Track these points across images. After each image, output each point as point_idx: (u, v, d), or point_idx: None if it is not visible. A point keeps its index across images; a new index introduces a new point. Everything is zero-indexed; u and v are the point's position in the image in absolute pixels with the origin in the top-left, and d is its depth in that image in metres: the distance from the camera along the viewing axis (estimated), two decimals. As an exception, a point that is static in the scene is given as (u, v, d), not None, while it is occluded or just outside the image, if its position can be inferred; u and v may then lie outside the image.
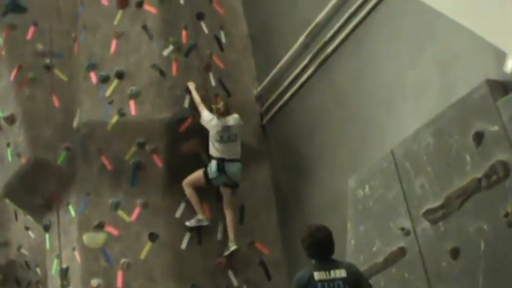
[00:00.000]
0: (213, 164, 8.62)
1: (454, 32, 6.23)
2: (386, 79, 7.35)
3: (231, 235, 8.72)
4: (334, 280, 5.17)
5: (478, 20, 5.97)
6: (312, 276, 5.20)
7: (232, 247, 8.66)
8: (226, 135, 8.68)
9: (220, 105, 8.80)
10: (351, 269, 5.35)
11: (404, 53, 7.08)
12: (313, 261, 5.39)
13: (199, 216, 8.72)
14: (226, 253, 8.71)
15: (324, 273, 5.20)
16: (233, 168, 8.68)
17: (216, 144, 8.64)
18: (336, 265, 5.29)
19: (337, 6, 8.22)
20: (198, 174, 8.74)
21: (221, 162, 8.60)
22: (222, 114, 8.71)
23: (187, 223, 8.72)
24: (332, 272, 5.20)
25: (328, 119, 8.45)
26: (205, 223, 8.70)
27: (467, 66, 6.14)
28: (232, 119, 8.80)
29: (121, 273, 8.46)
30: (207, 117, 8.70)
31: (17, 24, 9.66)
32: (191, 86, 8.95)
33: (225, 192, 8.85)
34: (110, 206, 8.80)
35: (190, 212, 8.84)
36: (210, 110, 8.77)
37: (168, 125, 8.85)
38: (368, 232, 6.76)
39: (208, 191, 8.91)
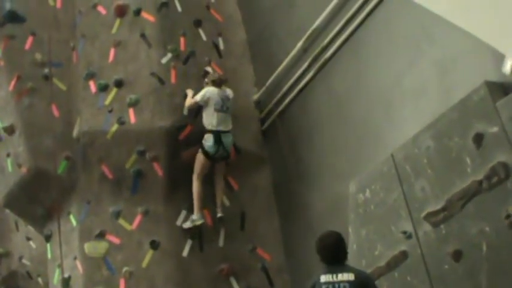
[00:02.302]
0: (209, 137, 8.64)
1: (452, 34, 6.24)
2: (385, 83, 7.34)
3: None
4: (340, 282, 5.28)
5: (476, 22, 5.98)
6: (319, 278, 5.37)
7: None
8: (225, 105, 8.79)
9: (216, 76, 8.97)
10: (360, 274, 5.45)
11: (403, 56, 7.08)
12: (324, 265, 5.51)
13: (194, 215, 8.70)
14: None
15: (330, 275, 5.33)
16: (228, 139, 8.76)
17: (215, 114, 8.69)
18: (345, 269, 5.40)
19: (334, 11, 8.22)
20: (198, 158, 8.77)
21: (217, 134, 8.65)
22: (218, 85, 8.88)
23: (184, 225, 8.72)
24: (340, 275, 5.32)
25: (328, 124, 8.44)
26: (199, 222, 8.67)
27: (465, 68, 6.14)
28: (228, 90, 8.99)
29: (123, 282, 8.45)
30: (200, 94, 8.78)
31: (15, 34, 9.71)
32: (189, 92, 8.96)
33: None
34: (111, 215, 8.79)
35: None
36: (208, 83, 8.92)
37: (168, 132, 8.85)
38: (370, 236, 6.74)
39: (208, 197, 8.91)
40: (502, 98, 5.50)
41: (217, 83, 8.90)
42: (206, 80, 9.00)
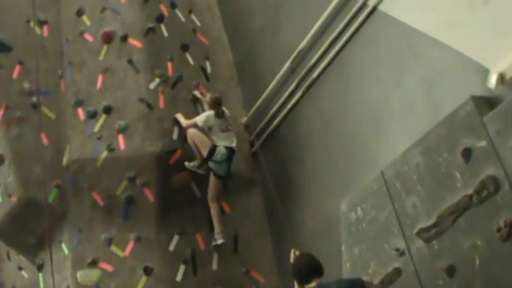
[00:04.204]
0: (223, 151, 8.66)
1: (437, 50, 6.30)
2: (373, 100, 7.38)
3: (217, 228, 8.80)
4: None
5: (460, 38, 6.06)
6: None
7: (219, 240, 8.75)
8: (226, 124, 8.87)
9: (214, 97, 8.92)
10: (340, 284, 5.40)
11: (389, 74, 7.12)
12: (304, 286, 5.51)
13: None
14: (213, 244, 8.81)
15: None
16: (234, 158, 8.83)
17: (219, 134, 8.75)
18: (322, 286, 5.36)
19: (320, 31, 8.28)
20: (207, 140, 8.74)
21: (230, 151, 8.73)
22: (219, 105, 8.88)
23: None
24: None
25: (318, 143, 8.46)
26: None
27: (452, 84, 6.17)
28: (227, 110, 9.06)
29: (117, 309, 8.40)
30: (201, 117, 8.79)
31: (2, 63, 9.70)
32: (180, 117, 8.97)
33: (215, 183, 8.88)
34: (103, 242, 8.76)
35: (184, 244, 8.81)
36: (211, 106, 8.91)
37: (158, 157, 8.84)
38: (363, 254, 6.73)
39: (199, 220, 8.90)
40: (488, 112, 5.53)
41: (218, 104, 8.89)
42: (205, 105, 9.03)
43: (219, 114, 8.86)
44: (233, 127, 8.99)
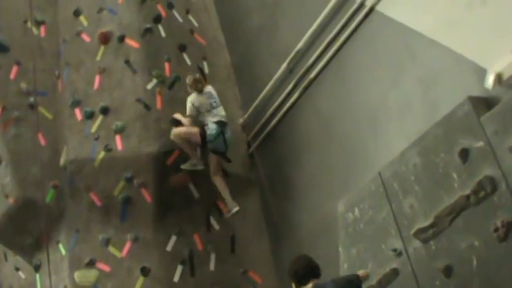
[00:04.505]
0: (213, 127, 8.61)
1: (434, 51, 6.31)
2: (370, 101, 7.38)
3: (228, 200, 8.83)
4: None
5: (457, 39, 6.06)
6: None
7: (235, 208, 8.81)
8: (212, 101, 8.82)
9: (192, 79, 8.91)
10: (336, 282, 5.41)
11: (386, 74, 7.12)
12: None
13: (194, 160, 8.83)
14: (229, 214, 8.88)
15: None
16: (229, 132, 8.78)
17: (206, 114, 8.71)
18: (319, 286, 5.37)
19: (318, 31, 8.28)
20: (192, 129, 8.69)
21: (220, 124, 8.66)
22: (200, 86, 8.86)
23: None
24: None
25: (315, 144, 8.46)
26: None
27: (449, 84, 6.18)
28: (208, 87, 9.01)
29: (114, 310, 8.40)
30: (188, 107, 8.75)
31: (-1, 64, 9.69)
32: (180, 117, 8.96)
33: (214, 159, 8.86)
34: (100, 243, 8.74)
35: (181, 244, 8.80)
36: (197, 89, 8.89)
37: (155, 158, 8.83)
38: (360, 255, 6.73)
39: (197, 220, 8.90)
40: (485, 113, 5.54)
41: (197, 82, 8.90)
42: (189, 89, 8.99)
43: (201, 91, 8.85)
44: (218, 102, 8.88)
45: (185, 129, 8.69)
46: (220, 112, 8.82)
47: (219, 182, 8.86)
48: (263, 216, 9.47)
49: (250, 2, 10.20)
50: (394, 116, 6.98)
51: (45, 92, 9.62)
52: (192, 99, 8.75)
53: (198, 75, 9.14)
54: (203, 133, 8.60)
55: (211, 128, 8.59)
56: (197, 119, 8.69)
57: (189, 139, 8.73)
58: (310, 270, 5.49)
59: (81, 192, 8.92)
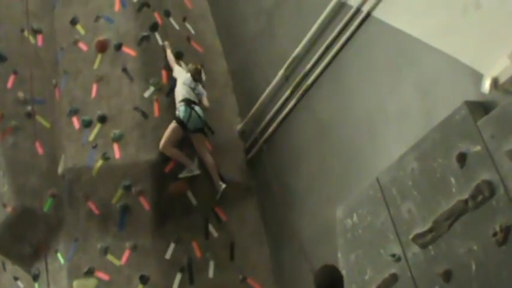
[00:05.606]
0: (182, 108, 8.78)
1: (431, 56, 6.32)
2: (368, 107, 7.38)
3: (215, 178, 8.92)
4: None
5: (454, 44, 6.08)
6: None
7: (222, 185, 8.91)
8: (196, 92, 9.01)
9: (193, 68, 9.14)
10: None
11: (384, 80, 7.13)
12: None
13: (191, 167, 8.89)
14: (219, 195, 8.96)
15: None
16: (200, 110, 8.91)
17: (185, 87, 8.92)
18: None
19: (314, 37, 8.30)
20: (170, 128, 8.81)
21: (187, 102, 8.81)
22: (197, 77, 9.12)
23: (180, 175, 8.86)
24: None
25: (313, 150, 8.45)
26: (196, 171, 8.86)
27: (446, 89, 6.18)
28: (202, 88, 9.19)
29: (114, 319, 8.38)
30: (178, 69, 9.07)
31: (-4, 73, 9.69)
32: (167, 45, 9.29)
33: (197, 138, 8.97)
34: (99, 251, 8.74)
35: (180, 252, 8.79)
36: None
37: (153, 166, 8.83)
38: (359, 261, 6.72)
39: (195, 228, 8.89)
40: (482, 117, 5.54)
41: (196, 76, 9.11)
42: (186, 66, 9.25)
43: (197, 80, 9.05)
44: (197, 99, 9.03)
45: (165, 135, 8.79)
46: (195, 96, 8.98)
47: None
48: (262, 223, 9.45)
49: (247, 9, 10.21)
50: (392, 122, 6.98)
51: (43, 101, 9.63)
52: (184, 75, 9.00)
53: (201, 68, 9.27)
54: (178, 119, 8.74)
55: (181, 110, 8.78)
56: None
57: (174, 139, 8.80)
58: (334, 282, 5.36)
59: (79, 201, 8.92)
